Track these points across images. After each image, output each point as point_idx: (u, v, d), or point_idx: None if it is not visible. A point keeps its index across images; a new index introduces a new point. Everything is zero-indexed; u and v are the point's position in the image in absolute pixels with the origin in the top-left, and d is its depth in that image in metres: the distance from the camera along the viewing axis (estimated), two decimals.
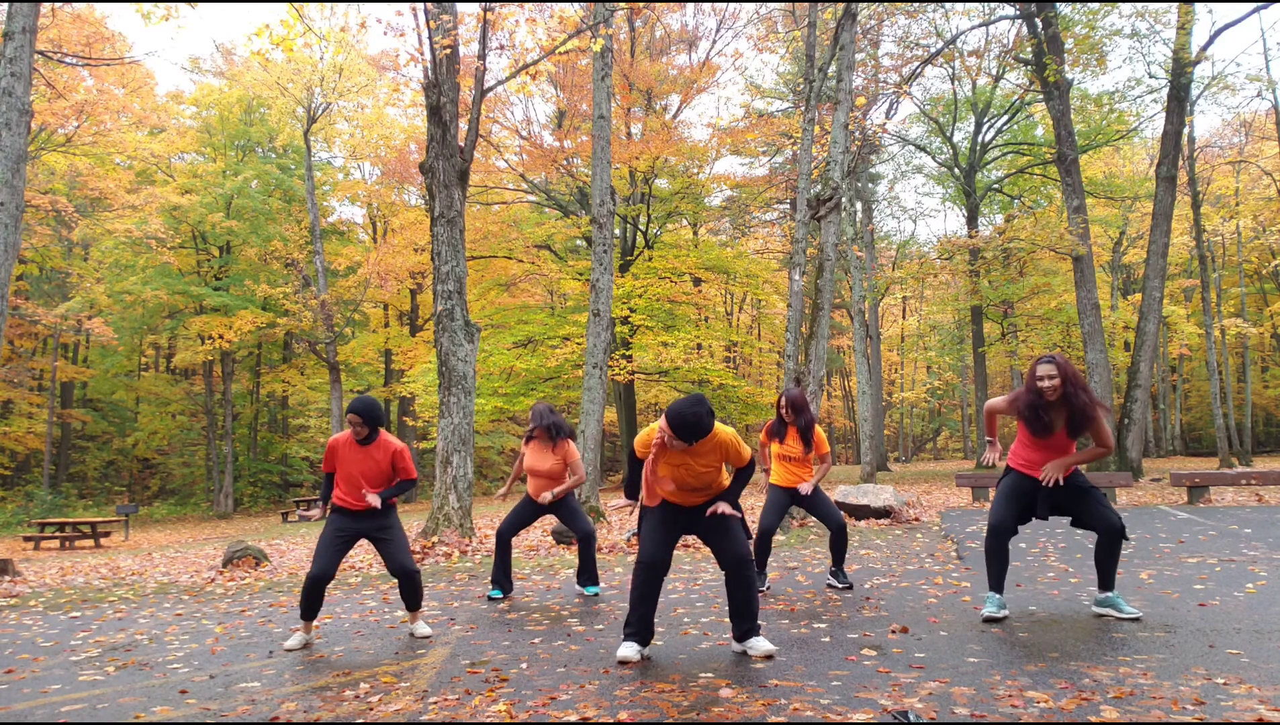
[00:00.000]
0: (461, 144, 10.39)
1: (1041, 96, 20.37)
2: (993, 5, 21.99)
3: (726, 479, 4.29)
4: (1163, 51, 21.49)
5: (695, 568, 7.21)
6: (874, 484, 14.13)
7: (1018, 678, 3.51)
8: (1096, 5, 19.65)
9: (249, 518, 26.81)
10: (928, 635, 4.39)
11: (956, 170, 28.70)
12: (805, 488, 5.87)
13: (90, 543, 16.85)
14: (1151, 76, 23.31)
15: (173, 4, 10.78)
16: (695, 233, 32.15)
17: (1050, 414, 4.53)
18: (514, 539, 6.79)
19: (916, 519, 10.78)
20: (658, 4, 21.25)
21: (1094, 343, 17.69)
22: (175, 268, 28.81)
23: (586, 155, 23.01)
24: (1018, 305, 29.61)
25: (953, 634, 4.39)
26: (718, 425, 4.04)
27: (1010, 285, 27.23)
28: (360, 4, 26.01)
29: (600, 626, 4.94)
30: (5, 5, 10.19)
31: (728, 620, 4.83)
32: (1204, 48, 18.30)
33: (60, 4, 18.79)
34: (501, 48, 11.00)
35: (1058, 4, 19.07)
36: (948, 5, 22.98)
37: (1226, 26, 18.57)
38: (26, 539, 17.13)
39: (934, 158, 30.47)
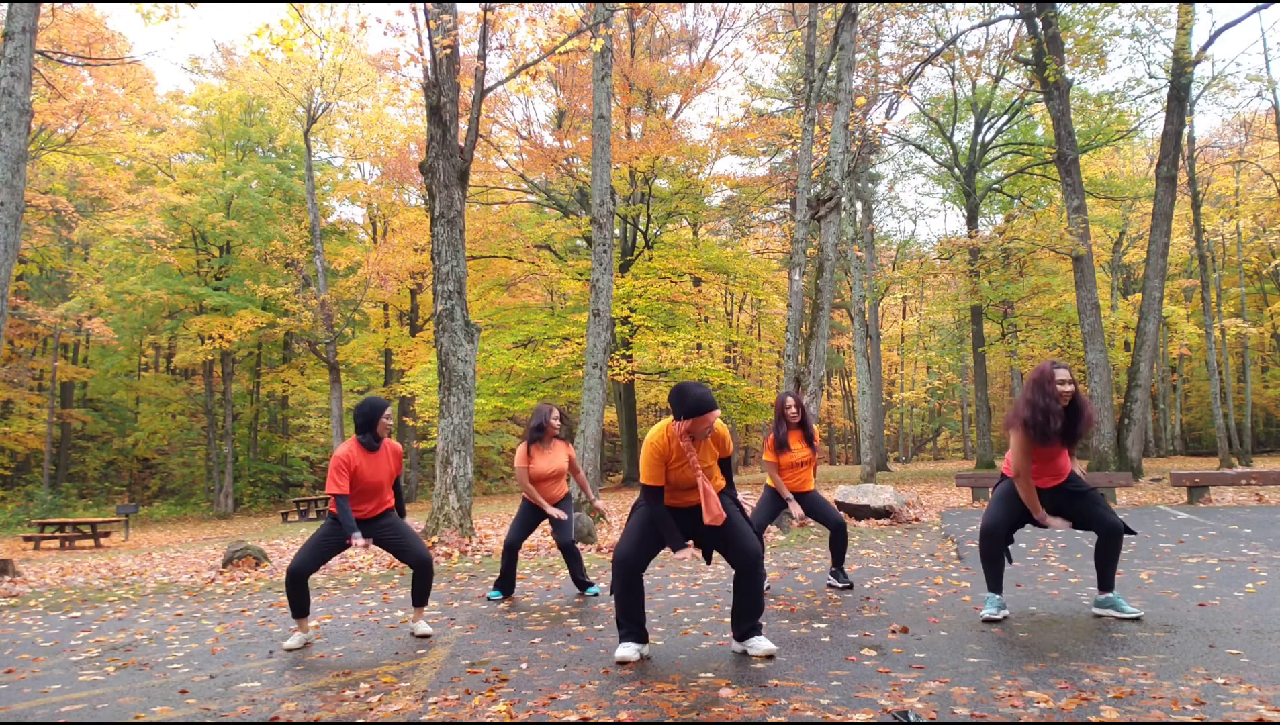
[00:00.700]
0: (461, 144, 10.39)
1: (1041, 96, 20.38)
2: (993, 5, 21.99)
3: (720, 479, 4.24)
4: (1163, 51, 21.52)
5: (695, 567, 7.21)
6: (874, 484, 14.13)
7: (1018, 678, 3.51)
8: (1096, 5, 19.66)
9: (249, 518, 26.81)
10: (928, 635, 4.39)
11: (956, 170, 28.70)
12: (797, 510, 5.85)
13: (90, 543, 16.85)
14: (1151, 76, 23.33)
15: (173, 4, 10.78)
16: (695, 233, 32.17)
17: (1060, 420, 4.54)
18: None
19: (916, 519, 10.78)
20: (658, 4, 21.26)
21: (1094, 343, 17.69)
22: (175, 268, 28.82)
23: (586, 155, 23.02)
24: (1018, 305, 29.61)
25: (953, 634, 4.39)
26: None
27: (1010, 285, 27.23)
28: (360, 4, 26.03)
29: (600, 626, 4.94)
30: (5, 5, 10.18)
31: (728, 620, 4.83)
32: (1204, 48, 18.30)
33: (60, 4, 18.79)
34: (501, 48, 11.01)
35: (1058, 4, 19.08)
36: (948, 5, 23.00)
37: (1226, 26, 18.57)
38: (26, 539, 17.13)
39: (934, 158, 30.47)
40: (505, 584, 6.09)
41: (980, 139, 28.50)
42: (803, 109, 12.19)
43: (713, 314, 36.06)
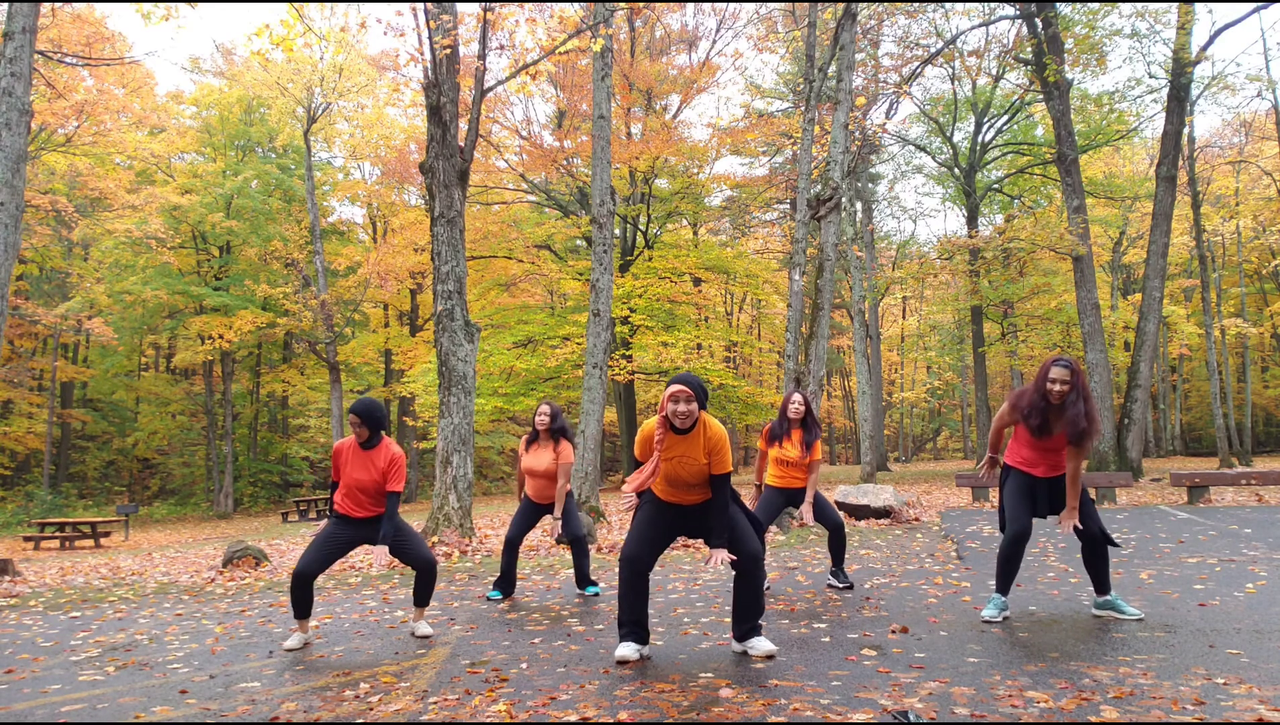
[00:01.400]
0: (461, 144, 10.39)
1: (1041, 96, 20.38)
2: (993, 5, 21.99)
3: (706, 491, 4.16)
4: (1163, 51, 21.52)
5: (695, 567, 7.21)
6: (874, 484, 14.13)
7: (1018, 678, 3.51)
8: (1096, 5, 19.66)
9: (249, 518, 26.81)
10: (928, 635, 4.39)
11: (956, 170, 28.70)
12: (807, 515, 5.85)
13: (90, 543, 16.85)
14: (1151, 76, 23.33)
15: (173, 4, 10.78)
16: (695, 233, 32.17)
17: (1050, 416, 4.53)
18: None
19: (916, 519, 10.78)
20: (658, 4, 21.26)
21: (1094, 343, 17.70)
22: (175, 268, 28.82)
23: (586, 155, 23.02)
24: (1018, 305, 29.62)
25: (953, 634, 4.39)
26: (714, 421, 4.04)
27: (1010, 285, 27.23)
28: (360, 4, 26.02)
29: (600, 626, 4.94)
30: (5, 5, 10.19)
31: (728, 620, 4.83)
32: (1204, 48, 18.31)
33: (60, 4, 18.79)
34: (501, 48, 11.01)
35: (1058, 4, 19.08)
36: (948, 5, 23.00)
37: (1226, 26, 18.58)
38: (26, 539, 17.14)
39: (934, 158, 30.47)
40: (505, 583, 6.10)
41: (980, 139, 28.50)
42: (803, 109, 12.20)
43: (713, 314, 36.06)
